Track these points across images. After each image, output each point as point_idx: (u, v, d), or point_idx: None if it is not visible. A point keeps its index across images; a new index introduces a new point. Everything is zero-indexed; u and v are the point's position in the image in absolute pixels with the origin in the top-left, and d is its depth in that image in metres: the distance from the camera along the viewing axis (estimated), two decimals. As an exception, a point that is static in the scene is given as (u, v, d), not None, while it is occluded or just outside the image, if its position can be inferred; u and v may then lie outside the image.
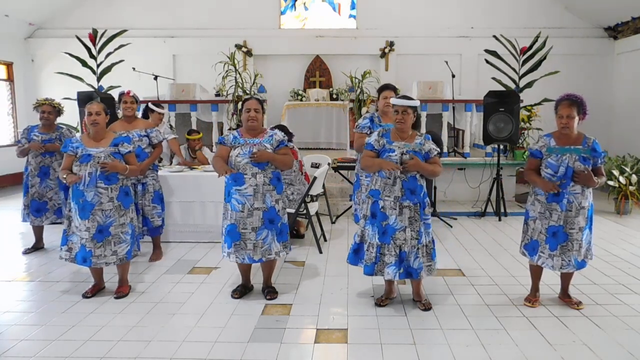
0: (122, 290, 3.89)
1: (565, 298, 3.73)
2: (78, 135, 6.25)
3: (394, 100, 3.57)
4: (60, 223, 5.10)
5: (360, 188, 4.64)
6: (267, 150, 3.66)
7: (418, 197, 3.50)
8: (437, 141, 4.96)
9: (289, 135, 5.03)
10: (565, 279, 3.73)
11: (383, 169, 3.45)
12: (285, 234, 3.83)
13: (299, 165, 5.35)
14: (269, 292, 3.87)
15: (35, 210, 4.99)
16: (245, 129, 3.77)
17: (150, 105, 5.87)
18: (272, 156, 3.67)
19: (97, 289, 3.93)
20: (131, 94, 4.72)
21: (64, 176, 3.70)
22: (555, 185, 3.45)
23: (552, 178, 3.50)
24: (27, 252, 5.07)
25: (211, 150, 7.22)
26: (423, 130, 7.20)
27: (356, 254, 3.69)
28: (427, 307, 3.61)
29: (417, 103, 3.55)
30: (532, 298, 3.73)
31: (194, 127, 7.66)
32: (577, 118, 3.46)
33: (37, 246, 5.17)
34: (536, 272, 3.77)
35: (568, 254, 3.51)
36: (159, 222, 4.77)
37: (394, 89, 4.51)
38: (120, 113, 4.87)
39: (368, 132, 4.44)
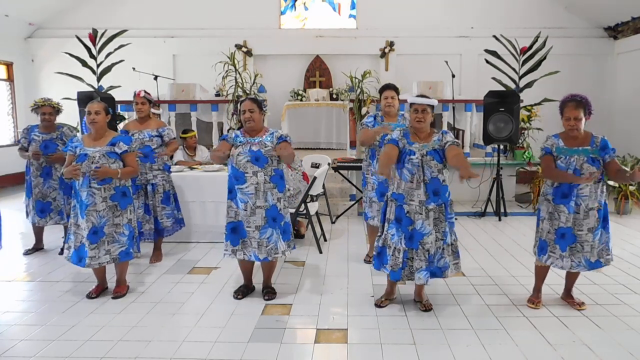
0: (119, 291, 3.89)
1: (568, 299, 3.72)
2: (79, 135, 6.24)
3: (413, 99, 3.51)
4: (65, 224, 5.10)
5: (367, 186, 4.63)
6: (268, 148, 3.66)
7: (442, 197, 3.44)
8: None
9: None
10: (570, 279, 3.72)
11: (381, 169, 3.41)
12: (289, 233, 3.85)
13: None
14: (268, 292, 3.87)
15: (40, 210, 4.94)
16: (245, 130, 3.79)
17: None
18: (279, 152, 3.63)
19: (101, 289, 3.93)
20: (142, 95, 4.65)
21: (63, 172, 3.72)
22: (578, 177, 3.34)
23: None
24: (27, 252, 5.06)
25: (209, 150, 7.22)
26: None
27: (379, 258, 3.62)
28: (427, 308, 3.60)
29: (435, 102, 3.52)
30: (535, 299, 3.69)
31: (193, 127, 7.67)
32: (584, 119, 3.41)
33: (37, 247, 5.16)
34: (541, 274, 3.74)
35: (578, 255, 3.48)
36: (168, 224, 4.74)
37: (395, 88, 4.51)
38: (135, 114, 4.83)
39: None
